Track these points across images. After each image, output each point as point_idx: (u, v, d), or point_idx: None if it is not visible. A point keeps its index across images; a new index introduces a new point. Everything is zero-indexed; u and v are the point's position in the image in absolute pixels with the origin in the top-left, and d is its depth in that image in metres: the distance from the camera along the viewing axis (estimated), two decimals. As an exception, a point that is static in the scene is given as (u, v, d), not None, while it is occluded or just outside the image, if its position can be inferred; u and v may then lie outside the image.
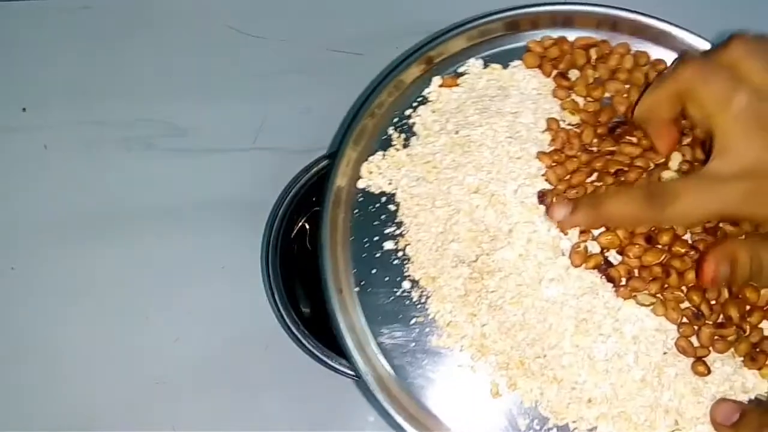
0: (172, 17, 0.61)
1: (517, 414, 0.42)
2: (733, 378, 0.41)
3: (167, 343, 0.52)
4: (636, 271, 0.42)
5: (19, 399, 0.52)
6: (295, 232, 0.60)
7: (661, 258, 0.42)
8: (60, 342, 0.53)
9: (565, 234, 0.43)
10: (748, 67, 0.39)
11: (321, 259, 0.44)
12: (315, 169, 0.57)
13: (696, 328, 0.42)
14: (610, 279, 0.42)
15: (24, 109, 0.58)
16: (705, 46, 0.48)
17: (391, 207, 0.46)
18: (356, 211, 0.46)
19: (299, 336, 0.54)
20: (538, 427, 0.41)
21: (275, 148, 0.57)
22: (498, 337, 0.42)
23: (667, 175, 0.45)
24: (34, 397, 0.52)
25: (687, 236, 0.43)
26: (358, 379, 0.42)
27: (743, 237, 0.42)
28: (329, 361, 0.53)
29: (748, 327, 0.42)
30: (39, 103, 0.59)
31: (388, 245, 0.45)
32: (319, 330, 0.54)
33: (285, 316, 0.54)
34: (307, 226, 0.60)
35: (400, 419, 0.42)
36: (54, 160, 0.57)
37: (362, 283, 0.45)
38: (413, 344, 0.43)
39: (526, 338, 0.42)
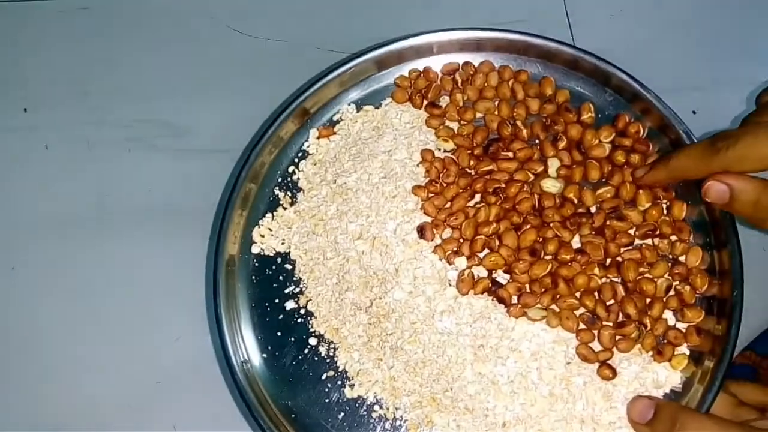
0: (171, 18, 0.62)
1: (439, 451, 0.41)
2: (643, 375, 0.41)
3: (167, 343, 0.52)
4: (527, 287, 0.42)
5: (18, 399, 0.52)
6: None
7: (548, 268, 0.42)
8: (60, 342, 0.52)
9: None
10: None
11: (220, 334, 0.44)
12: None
13: (595, 332, 0.41)
14: (500, 300, 0.42)
15: (25, 110, 0.59)
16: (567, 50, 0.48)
17: (288, 266, 0.46)
18: (253, 277, 0.46)
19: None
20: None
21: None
22: (407, 378, 0.42)
23: (547, 183, 0.45)
24: (34, 396, 0.52)
25: (576, 239, 0.44)
26: None
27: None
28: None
29: (648, 321, 0.42)
30: (40, 104, 0.59)
31: (290, 305, 0.45)
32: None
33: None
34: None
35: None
36: (55, 160, 0.57)
37: (269, 348, 0.45)
38: (327, 400, 0.43)
39: (431, 374, 0.42)
